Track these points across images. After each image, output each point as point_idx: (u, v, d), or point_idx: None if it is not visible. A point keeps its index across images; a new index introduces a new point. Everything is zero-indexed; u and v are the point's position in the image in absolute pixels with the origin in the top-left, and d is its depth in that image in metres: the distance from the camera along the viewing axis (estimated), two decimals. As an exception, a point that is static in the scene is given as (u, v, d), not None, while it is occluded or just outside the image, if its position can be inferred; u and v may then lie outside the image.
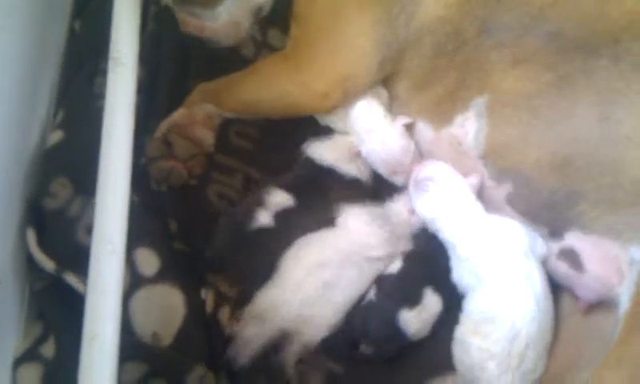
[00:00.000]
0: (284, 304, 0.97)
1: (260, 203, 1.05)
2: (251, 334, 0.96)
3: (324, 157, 1.11)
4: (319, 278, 0.99)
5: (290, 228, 1.04)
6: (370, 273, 1.02)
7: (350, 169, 1.11)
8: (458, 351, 0.97)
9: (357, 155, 1.12)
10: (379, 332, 0.98)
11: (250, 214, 1.05)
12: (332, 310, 0.99)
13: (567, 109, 0.96)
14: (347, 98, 1.11)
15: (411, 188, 1.07)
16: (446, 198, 1.03)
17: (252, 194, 1.09)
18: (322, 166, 1.10)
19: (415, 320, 0.98)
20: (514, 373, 0.93)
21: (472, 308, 0.97)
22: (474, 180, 1.03)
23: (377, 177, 1.14)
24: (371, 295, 1.01)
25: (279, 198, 1.07)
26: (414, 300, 0.99)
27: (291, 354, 0.97)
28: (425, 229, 1.05)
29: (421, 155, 1.12)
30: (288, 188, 1.08)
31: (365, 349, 0.99)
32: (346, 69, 1.09)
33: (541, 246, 0.99)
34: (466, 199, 1.02)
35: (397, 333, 0.97)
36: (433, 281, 1.01)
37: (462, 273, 1.00)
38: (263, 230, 1.04)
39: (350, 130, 1.13)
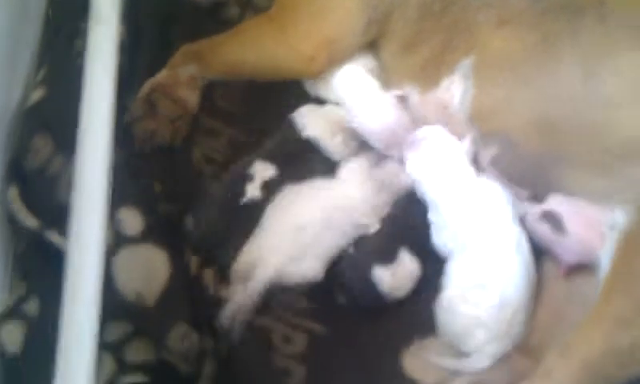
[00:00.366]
0: (262, 261, 0.98)
1: (247, 178, 1.05)
2: (238, 296, 0.96)
3: (309, 127, 1.10)
4: (297, 239, 0.99)
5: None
6: (351, 235, 1.02)
7: (331, 144, 1.09)
8: (445, 318, 0.96)
9: (346, 130, 1.10)
10: (353, 284, 0.99)
11: (238, 190, 1.04)
12: (310, 267, 1.00)
13: (552, 69, 0.96)
14: (333, 62, 1.10)
15: (404, 148, 1.07)
16: (437, 159, 1.02)
17: (236, 167, 1.07)
18: (303, 137, 1.09)
19: (389, 276, 0.98)
20: (502, 339, 0.93)
21: (459, 275, 0.97)
22: (467, 143, 1.03)
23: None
24: (349, 250, 1.02)
25: (264, 170, 1.06)
26: (388, 257, 0.99)
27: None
28: (408, 194, 1.05)
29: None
30: (271, 158, 1.07)
31: (341, 299, 1.00)
32: (332, 31, 1.09)
33: (521, 210, 0.99)
34: (458, 162, 1.02)
35: (371, 287, 0.98)
36: (409, 242, 1.01)
37: (446, 237, 1.00)
38: (253, 203, 1.04)
39: (341, 102, 1.12)
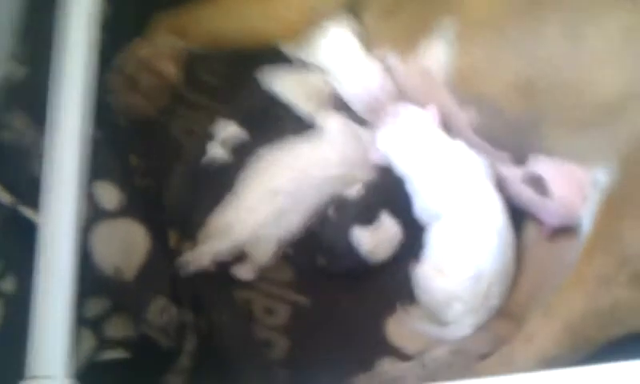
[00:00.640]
0: (237, 224, 0.97)
1: (210, 137, 1.04)
2: (205, 248, 0.96)
3: (284, 90, 1.08)
4: (272, 204, 0.98)
5: (247, 162, 1.03)
6: (326, 192, 1.01)
7: (305, 108, 1.07)
8: (422, 291, 0.95)
9: (325, 95, 1.09)
10: (332, 245, 0.98)
11: (200, 149, 1.03)
12: (286, 230, 0.99)
13: (534, 28, 0.94)
14: (315, 27, 1.09)
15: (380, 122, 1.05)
16: (407, 135, 1.01)
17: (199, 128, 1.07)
18: (276, 100, 1.07)
19: (369, 238, 0.97)
20: (479, 310, 0.93)
21: (433, 247, 0.96)
22: (439, 111, 1.01)
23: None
24: (329, 213, 1.01)
25: (230, 131, 1.05)
26: (368, 219, 0.98)
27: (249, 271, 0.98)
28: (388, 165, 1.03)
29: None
30: (239, 120, 1.05)
31: (320, 261, 0.99)
32: None
33: (503, 174, 0.98)
34: (429, 135, 1.01)
35: (349, 249, 0.97)
36: (391, 207, 1.00)
37: (421, 209, 0.99)
38: (221, 166, 1.03)
39: (324, 66, 1.10)
